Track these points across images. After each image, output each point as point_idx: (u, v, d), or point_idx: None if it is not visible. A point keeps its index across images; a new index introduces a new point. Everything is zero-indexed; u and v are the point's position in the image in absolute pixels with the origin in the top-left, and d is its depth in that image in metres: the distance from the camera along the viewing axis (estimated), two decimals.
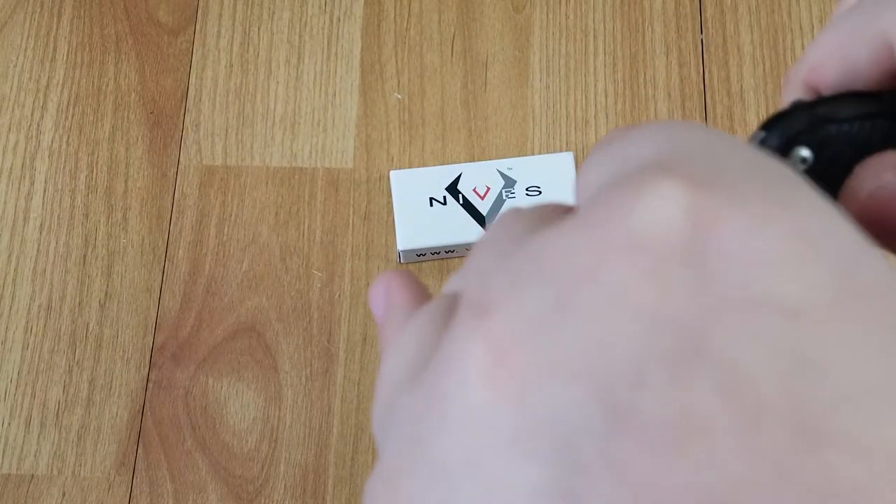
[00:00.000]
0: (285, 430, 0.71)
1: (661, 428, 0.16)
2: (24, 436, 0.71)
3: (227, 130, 0.78)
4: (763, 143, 0.26)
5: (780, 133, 0.26)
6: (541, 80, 0.79)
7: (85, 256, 0.75)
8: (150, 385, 0.72)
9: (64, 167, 0.77)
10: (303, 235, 0.75)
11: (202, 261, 0.75)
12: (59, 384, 0.72)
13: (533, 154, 0.77)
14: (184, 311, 0.74)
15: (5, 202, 0.76)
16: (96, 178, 0.77)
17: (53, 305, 0.74)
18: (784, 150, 0.26)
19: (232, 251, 0.75)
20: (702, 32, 0.80)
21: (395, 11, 0.81)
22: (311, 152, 0.78)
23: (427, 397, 0.19)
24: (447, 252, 0.74)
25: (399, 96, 0.79)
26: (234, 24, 0.81)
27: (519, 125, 0.78)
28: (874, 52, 0.26)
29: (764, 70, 0.79)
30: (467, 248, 0.73)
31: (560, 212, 0.22)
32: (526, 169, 0.75)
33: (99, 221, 0.76)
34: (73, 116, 0.79)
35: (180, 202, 0.76)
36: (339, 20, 0.81)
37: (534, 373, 0.17)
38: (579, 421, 0.17)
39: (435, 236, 0.73)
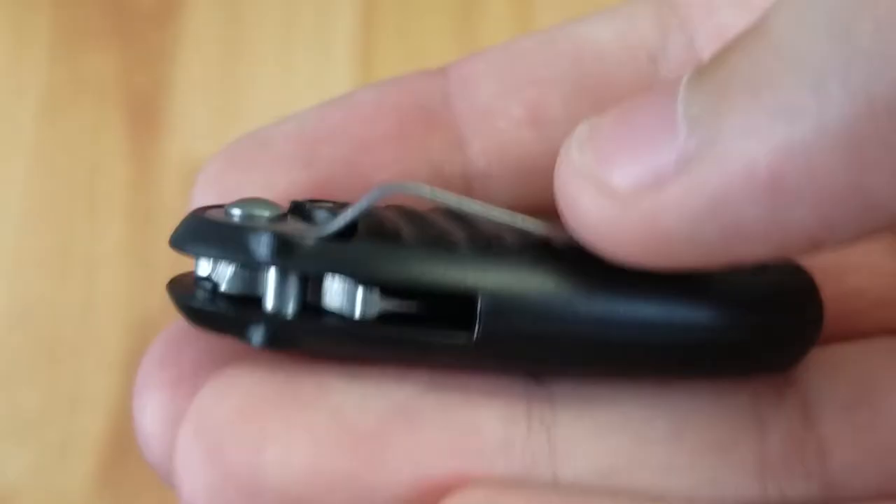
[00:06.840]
0: None
1: None
2: None
3: (212, 124, 0.75)
4: None
5: None
6: None
7: (64, 257, 0.71)
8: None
9: (42, 163, 0.74)
10: None
11: (187, 261, 0.71)
12: (35, 393, 0.68)
13: None
14: (167, 316, 0.69)
15: None
16: (76, 174, 0.74)
17: (29, 309, 0.70)
18: None
19: None
20: None
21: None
22: None
23: None
24: None
25: None
26: (219, 12, 0.78)
27: None
28: None
29: None
30: None
31: None
32: None
33: (78, 220, 0.72)
34: (51, 110, 0.75)
35: (163, 199, 0.73)
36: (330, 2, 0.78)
37: None
38: None
39: None
